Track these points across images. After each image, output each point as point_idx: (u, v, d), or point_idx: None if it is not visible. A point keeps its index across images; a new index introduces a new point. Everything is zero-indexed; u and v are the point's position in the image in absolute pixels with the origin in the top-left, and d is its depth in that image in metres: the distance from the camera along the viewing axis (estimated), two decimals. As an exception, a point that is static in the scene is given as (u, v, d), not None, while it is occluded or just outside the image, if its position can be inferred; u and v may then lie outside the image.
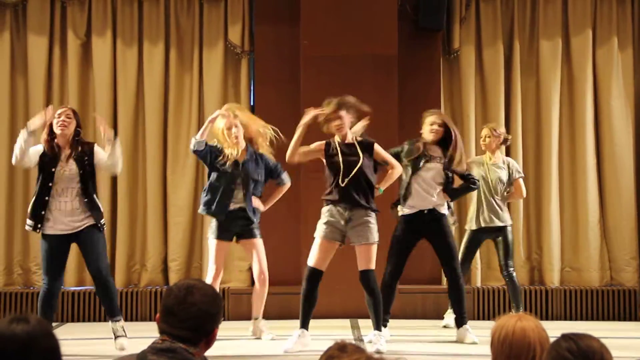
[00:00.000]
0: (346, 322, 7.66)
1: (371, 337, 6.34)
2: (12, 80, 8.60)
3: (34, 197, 6.20)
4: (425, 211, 6.70)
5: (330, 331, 6.97)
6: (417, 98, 8.50)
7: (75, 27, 8.61)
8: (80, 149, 6.20)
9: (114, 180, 8.46)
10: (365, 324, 7.39)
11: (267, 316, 7.21)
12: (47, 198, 6.10)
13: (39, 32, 8.57)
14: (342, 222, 6.30)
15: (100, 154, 6.27)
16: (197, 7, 8.71)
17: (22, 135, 6.15)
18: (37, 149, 6.20)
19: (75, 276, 8.38)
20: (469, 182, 6.87)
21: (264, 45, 8.63)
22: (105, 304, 6.27)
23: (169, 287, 2.76)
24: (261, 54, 8.64)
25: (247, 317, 7.25)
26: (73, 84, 8.60)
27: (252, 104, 8.74)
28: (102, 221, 6.25)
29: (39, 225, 6.13)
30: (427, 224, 6.72)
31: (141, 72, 8.68)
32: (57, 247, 6.14)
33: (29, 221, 6.19)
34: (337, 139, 6.44)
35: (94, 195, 6.23)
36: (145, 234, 8.58)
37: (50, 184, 6.11)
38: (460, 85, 8.74)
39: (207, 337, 2.72)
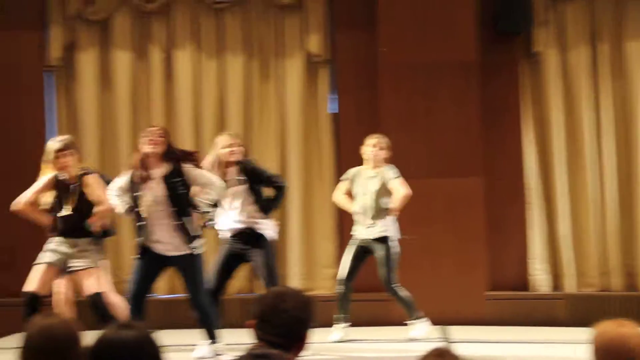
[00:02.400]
0: (435, 329, 7.60)
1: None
2: (99, 93, 8.80)
3: (134, 223, 6.16)
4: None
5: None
6: (498, 104, 8.44)
7: (158, 41, 8.79)
8: (171, 168, 6.04)
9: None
10: (455, 330, 7.36)
11: (357, 323, 7.23)
12: (142, 223, 6.02)
13: (123, 48, 8.76)
14: None
15: (193, 172, 6.10)
16: (276, 17, 8.79)
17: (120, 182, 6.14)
18: (127, 182, 6.12)
19: (166, 284, 8.53)
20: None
21: (342, 54, 8.67)
22: (204, 329, 6.20)
23: (262, 294, 2.81)
24: (340, 62, 8.68)
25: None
26: (156, 97, 8.77)
27: (332, 112, 8.79)
28: (197, 245, 6.07)
29: (140, 251, 6.07)
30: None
31: (223, 84, 8.80)
32: (149, 263, 6.08)
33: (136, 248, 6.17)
34: None
35: (186, 216, 6.03)
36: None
37: (140, 209, 6.03)
38: (543, 89, 8.61)
39: (300, 343, 2.76)
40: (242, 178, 6.44)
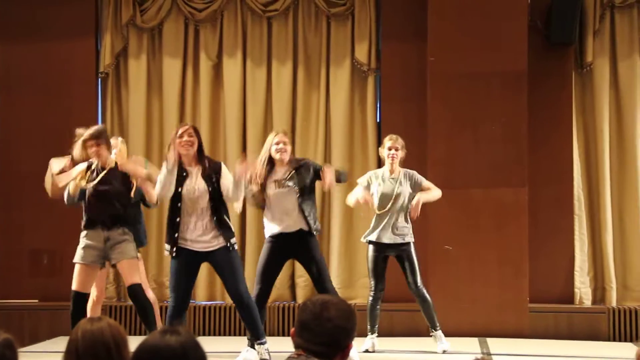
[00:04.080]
0: (474, 341, 7.54)
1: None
2: (148, 100, 8.91)
3: (167, 221, 6.09)
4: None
5: (458, 348, 6.88)
6: (548, 114, 8.36)
7: (207, 49, 8.87)
8: (207, 166, 6.03)
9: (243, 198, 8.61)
10: (495, 342, 7.29)
11: (393, 333, 7.21)
12: (177, 219, 5.97)
13: (173, 55, 8.86)
14: None
15: (227, 178, 6.05)
16: (324, 26, 8.82)
17: (164, 171, 5.99)
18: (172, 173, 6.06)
19: (206, 290, 8.58)
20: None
21: (390, 63, 8.65)
22: (249, 327, 6.11)
23: (304, 302, 2.79)
24: (388, 71, 8.67)
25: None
26: (205, 104, 8.85)
27: (378, 121, 8.78)
28: (233, 240, 6.03)
29: (175, 249, 5.99)
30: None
31: (270, 91, 8.84)
32: (187, 265, 6.01)
33: (166, 245, 6.08)
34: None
35: (224, 215, 6.03)
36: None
37: (179, 204, 5.98)
38: (594, 99, 8.50)
39: (342, 352, 2.74)
40: (293, 177, 6.35)
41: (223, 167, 6.11)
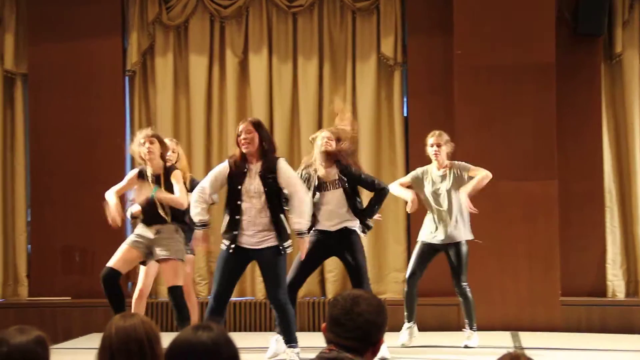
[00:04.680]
0: (506, 335, 7.51)
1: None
2: (175, 97, 8.96)
3: (227, 217, 5.90)
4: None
5: (490, 342, 6.86)
6: (577, 106, 8.30)
7: (233, 45, 8.89)
8: (266, 165, 5.85)
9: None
10: (527, 336, 7.26)
11: (424, 327, 7.18)
12: (237, 217, 5.83)
13: (199, 52, 8.89)
14: None
15: (286, 174, 5.88)
16: (350, 20, 8.81)
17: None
18: (224, 173, 5.94)
19: (238, 287, 8.60)
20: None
21: (416, 57, 8.63)
22: (282, 330, 6.00)
23: (335, 297, 2.79)
24: (414, 65, 8.64)
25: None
26: (231, 101, 8.87)
27: (405, 115, 8.75)
28: (286, 244, 5.85)
29: (232, 245, 5.85)
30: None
31: (296, 87, 8.86)
32: (236, 261, 5.89)
33: (224, 241, 5.90)
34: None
35: (280, 214, 5.86)
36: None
37: (238, 202, 5.84)
38: (623, 91, 8.43)
39: (373, 347, 2.73)
40: (342, 179, 6.32)
41: (280, 164, 5.90)
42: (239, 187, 5.85)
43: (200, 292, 8.56)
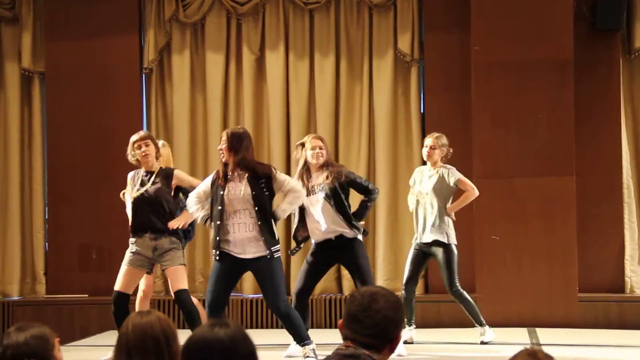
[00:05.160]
0: (523, 331, 7.48)
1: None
2: (192, 95, 8.97)
3: (213, 224, 5.87)
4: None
5: (507, 339, 6.84)
6: (595, 102, 8.25)
7: (249, 42, 8.89)
8: (252, 171, 5.82)
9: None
10: (544, 332, 7.22)
11: (440, 324, 7.18)
12: (219, 223, 5.79)
13: (216, 49, 8.90)
14: None
15: (282, 183, 5.87)
16: (366, 17, 8.79)
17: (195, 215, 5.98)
18: (206, 184, 5.94)
19: (252, 283, 8.61)
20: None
21: (433, 53, 8.60)
22: (291, 333, 5.97)
23: (352, 294, 2.78)
24: (431, 62, 8.61)
25: (420, 325, 7.21)
26: (248, 98, 8.87)
27: (422, 112, 8.73)
28: (274, 248, 5.78)
29: (218, 253, 5.83)
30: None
31: (313, 84, 8.84)
32: (227, 270, 5.85)
33: (213, 251, 5.93)
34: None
35: (269, 221, 5.80)
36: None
37: (219, 207, 5.80)
38: (641, 86, 8.39)
39: (391, 343, 2.72)
40: (331, 185, 6.27)
41: (273, 171, 5.89)
42: (222, 192, 5.80)
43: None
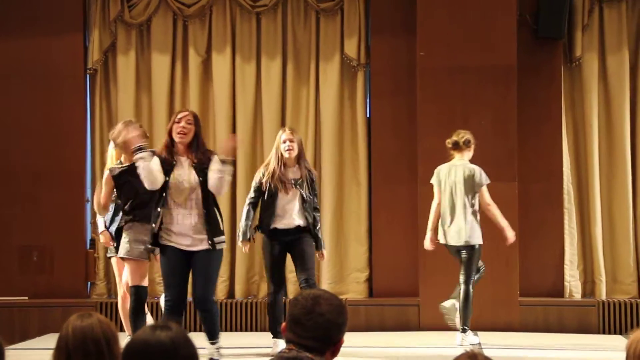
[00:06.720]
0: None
1: None
2: (137, 96, 8.88)
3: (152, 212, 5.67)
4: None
5: (449, 341, 6.89)
6: (538, 108, 8.37)
7: (196, 44, 8.84)
8: (200, 156, 5.62)
9: (233, 191, 8.59)
10: (487, 336, 7.30)
11: (384, 327, 7.20)
12: (159, 209, 5.58)
13: (162, 50, 8.83)
14: None
15: (214, 166, 5.62)
16: (313, 21, 8.81)
17: (147, 160, 5.58)
18: (156, 161, 5.63)
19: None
20: None
21: (380, 58, 8.65)
22: (207, 328, 5.82)
23: (295, 297, 2.79)
24: (377, 66, 8.67)
25: (364, 328, 7.24)
26: (194, 100, 8.82)
27: (368, 116, 8.77)
28: (217, 239, 5.65)
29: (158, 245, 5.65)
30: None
31: (259, 87, 8.84)
32: (177, 262, 5.65)
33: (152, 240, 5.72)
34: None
35: (214, 210, 5.67)
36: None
37: (164, 194, 5.56)
38: (583, 94, 8.52)
39: (333, 347, 2.73)
40: (301, 180, 6.38)
41: (215, 157, 5.66)
42: (167, 178, 5.58)
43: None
